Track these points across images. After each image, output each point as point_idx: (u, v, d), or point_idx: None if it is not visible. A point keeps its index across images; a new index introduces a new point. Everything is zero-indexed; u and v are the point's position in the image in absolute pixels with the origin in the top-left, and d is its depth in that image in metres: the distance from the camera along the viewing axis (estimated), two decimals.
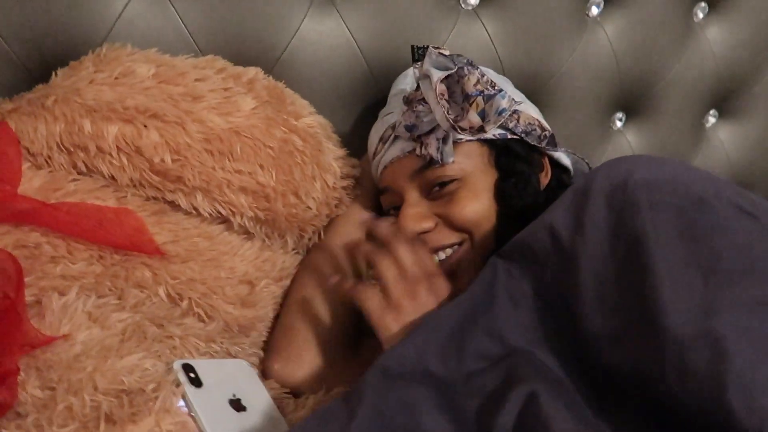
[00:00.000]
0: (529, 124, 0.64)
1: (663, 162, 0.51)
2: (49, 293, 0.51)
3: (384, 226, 0.59)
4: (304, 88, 0.72)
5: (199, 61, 0.66)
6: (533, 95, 0.86)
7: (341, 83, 0.76)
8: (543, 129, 0.65)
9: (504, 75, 0.79)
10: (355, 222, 0.69)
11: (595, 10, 0.86)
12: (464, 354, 0.46)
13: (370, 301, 0.54)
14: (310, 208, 0.65)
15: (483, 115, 0.59)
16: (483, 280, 0.50)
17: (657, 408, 0.40)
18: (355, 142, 0.74)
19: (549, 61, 0.85)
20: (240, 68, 0.67)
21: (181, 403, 0.47)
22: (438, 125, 0.60)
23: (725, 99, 1.01)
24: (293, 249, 0.68)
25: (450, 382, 0.44)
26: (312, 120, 0.68)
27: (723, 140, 1.04)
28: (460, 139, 0.61)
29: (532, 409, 0.39)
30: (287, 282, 0.67)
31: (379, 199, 0.69)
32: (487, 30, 0.80)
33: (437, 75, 0.59)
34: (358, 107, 0.78)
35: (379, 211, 0.70)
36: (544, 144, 0.64)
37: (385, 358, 0.45)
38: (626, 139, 0.97)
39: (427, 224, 0.61)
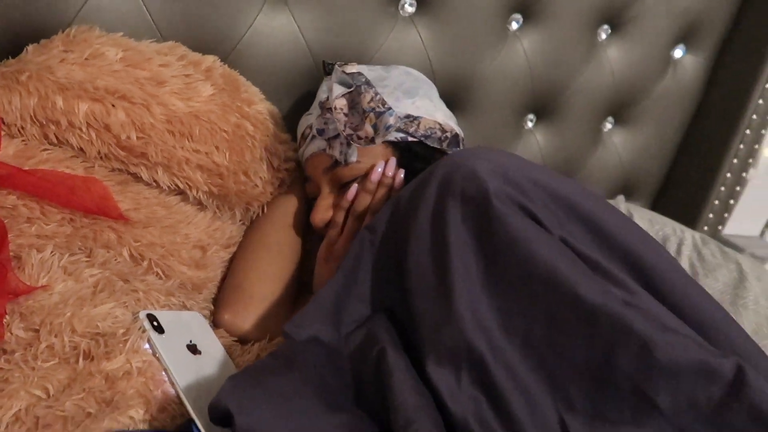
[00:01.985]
0: (430, 128, 0.75)
1: (489, 157, 0.63)
2: (27, 249, 0.58)
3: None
4: (255, 76, 0.80)
5: (162, 46, 0.73)
6: (457, 96, 0.98)
7: (289, 74, 0.85)
8: (444, 131, 0.76)
9: (433, 76, 0.91)
10: (294, 200, 0.79)
11: (515, 25, 0.99)
12: (342, 319, 0.57)
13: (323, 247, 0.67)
14: (257, 186, 0.74)
15: (375, 128, 0.71)
16: (352, 252, 0.61)
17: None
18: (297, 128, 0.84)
19: (473, 66, 0.98)
20: (199, 56, 0.75)
21: (147, 346, 0.56)
22: (341, 135, 0.71)
23: (620, 109, 1.16)
24: (240, 221, 0.78)
25: (334, 346, 0.55)
26: (262, 107, 0.77)
27: (617, 144, 1.20)
28: (366, 145, 0.72)
29: (382, 363, 0.51)
30: (234, 249, 0.77)
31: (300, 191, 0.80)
32: (420, 36, 0.91)
33: (337, 91, 0.70)
34: (303, 96, 0.87)
35: None
36: (445, 145, 0.76)
37: (288, 326, 0.56)
38: (535, 137, 1.11)
39: (335, 214, 0.73)
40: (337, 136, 0.72)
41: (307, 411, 0.47)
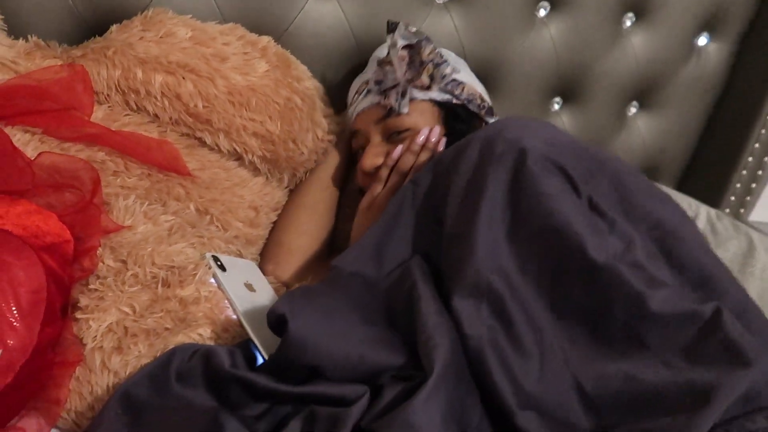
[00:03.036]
0: (471, 94, 0.84)
1: (528, 125, 0.70)
2: (114, 197, 0.68)
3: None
4: (304, 55, 0.90)
5: (224, 27, 0.83)
6: (488, 78, 1.05)
7: (334, 54, 0.94)
8: (483, 101, 0.85)
9: (465, 59, 0.99)
10: (332, 167, 0.88)
11: (542, 12, 1.06)
12: (383, 260, 0.65)
13: (366, 199, 0.76)
14: (303, 154, 0.84)
15: (432, 78, 0.79)
16: (396, 201, 0.69)
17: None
18: (341, 103, 0.93)
19: (502, 51, 1.05)
20: (256, 36, 0.85)
21: (212, 280, 0.66)
22: (399, 82, 0.79)
23: (645, 94, 1.22)
24: (286, 186, 0.87)
25: (374, 281, 0.63)
26: (310, 84, 0.86)
27: (641, 128, 1.25)
28: (415, 97, 0.80)
29: (413, 291, 0.59)
30: (280, 212, 0.87)
31: (343, 157, 0.89)
32: (454, 22, 0.99)
33: (401, 43, 0.79)
34: (346, 75, 0.96)
35: (351, 162, 0.90)
36: (483, 112, 0.84)
37: (337, 261, 0.65)
38: (562, 119, 1.18)
39: (388, 158, 0.79)
40: (394, 87, 0.80)
41: (347, 321, 0.56)
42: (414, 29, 0.82)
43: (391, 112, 0.80)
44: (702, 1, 1.15)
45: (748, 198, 1.31)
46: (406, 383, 0.51)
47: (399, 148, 0.79)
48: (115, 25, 0.79)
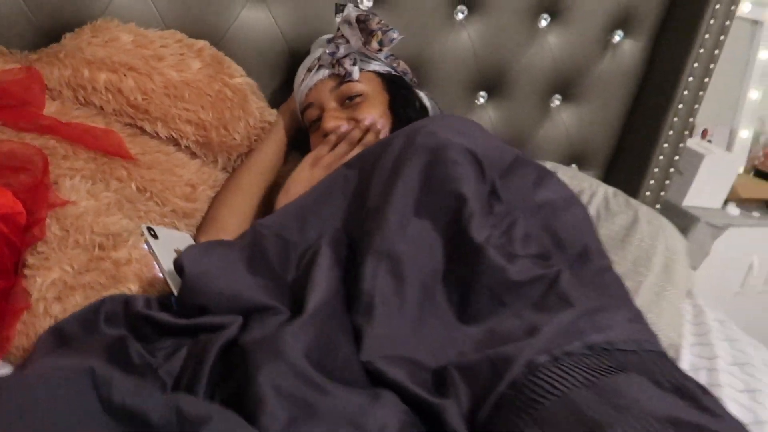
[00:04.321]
0: (405, 69, 1.00)
1: (447, 120, 0.83)
2: (62, 178, 0.81)
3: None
4: (240, 59, 1.02)
5: (164, 33, 0.95)
6: (415, 75, 1.18)
7: (267, 56, 1.07)
8: (413, 78, 1.02)
9: None
10: (265, 152, 1.00)
11: (460, 15, 1.18)
12: (306, 227, 0.76)
13: (313, 155, 0.88)
14: (236, 139, 0.96)
15: (381, 43, 0.93)
16: (329, 179, 0.80)
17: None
18: (274, 100, 1.05)
19: (426, 51, 1.17)
20: (193, 40, 0.97)
21: (145, 246, 0.78)
22: (351, 52, 0.92)
23: (566, 87, 1.34)
24: (223, 168, 0.99)
25: (292, 242, 0.74)
26: (242, 80, 0.99)
27: (564, 119, 1.37)
28: (363, 68, 0.93)
29: (317, 252, 0.69)
30: (218, 189, 0.99)
31: (281, 145, 1.01)
32: None
33: (354, 15, 0.92)
34: (278, 75, 1.09)
35: (286, 148, 1.02)
36: (414, 86, 0.99)
37: (261, 220, 0.76)
38: (488, 113, 1.30)
39: (342, 123, 0.91)
40: (347, 55, 0.93)
41: (236, 269, 0.67)
42: (360, 6, 0.97)
43: (344, 78, 0.92)
44: (613, 1, 1.28)
45: (667, 182, 1.43)
46: (284, 318, 0.62)
47: (348, 126, 0.91)
48: (67, 34, 0.91)
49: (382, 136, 0.91)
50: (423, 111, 1.01)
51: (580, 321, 0.61)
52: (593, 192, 1.09)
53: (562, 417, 0.50)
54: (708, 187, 1.68)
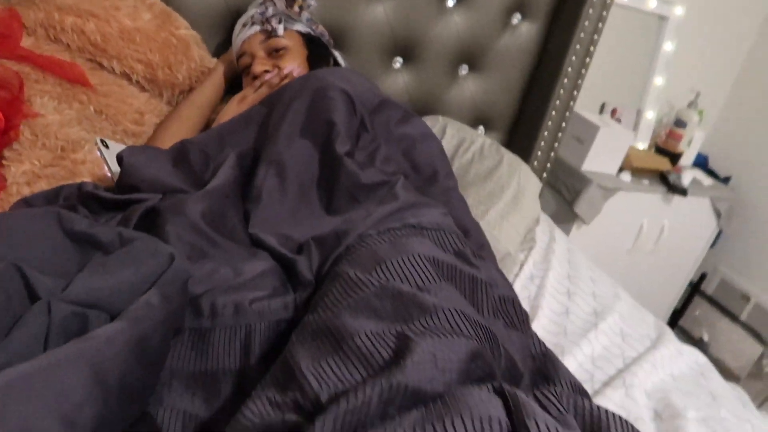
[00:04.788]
0: (323, 31, 1.23)
1: (335, 71, 1.07)
2: (34, 97, 1.03)
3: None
4: (187, 15, 1.24)
5: None
6: (337, 41, 1.41)
7: (210, 16, 1.29)
8: (330, 40, 1.24)
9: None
10: (203, 91, 1.22)
11: None
12: (225, 145, 0.98)
13: (241, 94, 1.11)
14: (178, 78, 1.18)
15: (300, 8, 1.17)
16: (248, 112, 1.04)
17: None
18: (217, 52, 1.28)
19: (348, 20, 1.40)
20: None
21: (98, 153, 1.01)
22: (278, 13, 1.15)
23: (471, 59, 1.58)
24: (167, 102, 1.22)
25: (211, 155, 0.96)
26: (186, 31, 1.21)
27: (471, 86, 1.62)
28: (287, 27, 1.16)
29: (223, 161, 0.92)
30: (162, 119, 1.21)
31: (218, 86, 1.24)
32: None
33: None
34: (220, 32, 1.31)
35: (222, 90, 1.25)
36: (330, 47, 1.21)
37: (187, 140, 0.99)
38: (402, 77, 1.54)
39: (269, 68, 1.14)
40: (273, 16, 1.15)
41: (161, 163, 0.90)
42: None
43: (271, 34, 1.15)
44: None
45: (556, 144, 1.69)
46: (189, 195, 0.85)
47: (272, 73, 1.14)
48: None
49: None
50: (335, 66, 1.25)
51: (404, 210, 0.84)
52: (473, 141, 1.34)
53: (364, 258, 0.74)
54: (603, 155, 1.95)
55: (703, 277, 2.51)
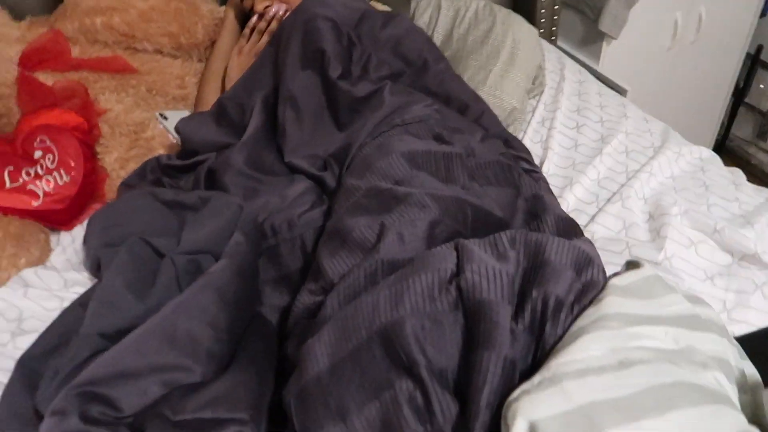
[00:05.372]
0: None
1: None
2: (97, 95, 1.27)
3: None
4: None
5: None
6: None
7: None
8: None
9: None
10: (221, 44, 1.40)
11: None
12: (251, 90, 1.18)
13: (236, 47, 1.30)
14: (198, 37, 1.37)
15: None
16: (260, 58, 1.22)
17: None
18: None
19: None
20: None
21: (160, 126, 1.25)
22: None
23: None
24: (198, 60, 1.42)
25: (243, 103, 1.17)
26: None
27: None
28: None
29: (254, 107, 1.13)
30: (199, 76, 1.42)
31: (234, 32, 1.40)
32: None
33: None
34: None
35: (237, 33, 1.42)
36: None
37: (222, 95, 1.20)
38: None
39: (268, 4, 1.29)
40: None
41: (208, 125, 1.12)
42: None
43: None
44: None
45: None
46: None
47: (255, 18, 1.30)
48: None
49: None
50: None
51: (392, 114, 1.01)
52: (467, 8, 1.42)
53: (357, 166, 0.90)
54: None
55: (760, 48, 2.43)
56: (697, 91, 2.35)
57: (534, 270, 0.66)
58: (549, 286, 0.63)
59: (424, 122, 0.97)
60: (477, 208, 0.79)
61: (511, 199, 0.89)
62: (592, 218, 1.06)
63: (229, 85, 1.27)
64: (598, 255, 0.72)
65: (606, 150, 1.21)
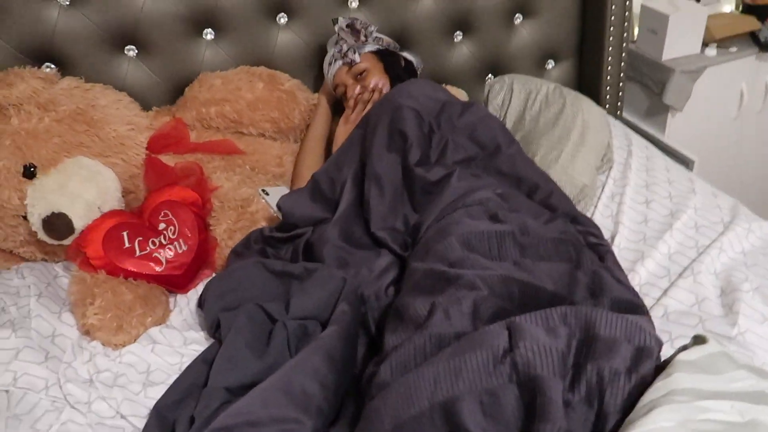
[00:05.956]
0: (389, 42, 1.52)
1: (403, 88, 1.36)
2: (209, 174, 1.45)
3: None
4: (284, 67, 1.59)
5: (237, 70, 1.54)
6: (405, 39, 1.67)
7: (299, 60, 1.62)
8: (396, 45, 1.53)
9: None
10: (316, 124, 1.58)
11: None
12: (341, 166, 1.34)
13: (343, 117, 1.46)
14: (295, 122, 1.55)
15: (366, 36, 1.47)
16: (349, 137, 1.38)
17: None
18: (315, 84, 1.62)
19: (404, 19, 1.65)
20: (255, 68, 1.55)
21: (263, 200, 1.42)
22: (351, 46, 1.46)
23: (521, 8, 1.75)
24: (294, 141, 1.60)
25: (334, 178, 1.32)
26: (289, 83, 1.56)
27: (528, 31, 1.78)
28: (361, 51, 1.47)
29: (344, 184, 1.28)
30: (295, 155, 1.60)
31: (326, 116, 1.58)
32: None
33: (343, 23, 1.46)
34: (312, 69, 1.64)
35: (329, 116, 1.59)
36: (398, 50, 1.51)
37: (315, 173, 1.35)
38: (465, 47, 1.75)
39: (359, 89, 1.46)
40: (348, 49, 1.47)
41: (305, 201, 1.27)
42: (345, 18, 1.49)
43: (352, 63, 1.48)
44: None
45: (625, 45, 1.80)
46: (329, 223, 1.21)
47: (359, 89, 1.47)
48: (186, 88, 1.53)
49: (385, 90, 1.46)
50: (408, 65, 1.53)
51: (458, 199, 1.11)
52: (538, 91, 1.55)
53: (420, 249, 1.02)
54: (681, 40, 2.00)
55: None
56: (765, 160, 2.36)
57: (586, 344, 0.71)
58: (602, 361, 0.68)
59: (483, 204, 1.07)
60: (525, 283, 0.86)
61: (566, 272, 0.93)
62: (665, 292, 1.12)
63: (335, 149, 1.43)
64: (652, 325, 0.78)
65: (676, 225, 1.27)
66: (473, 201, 1.07)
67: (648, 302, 1.11)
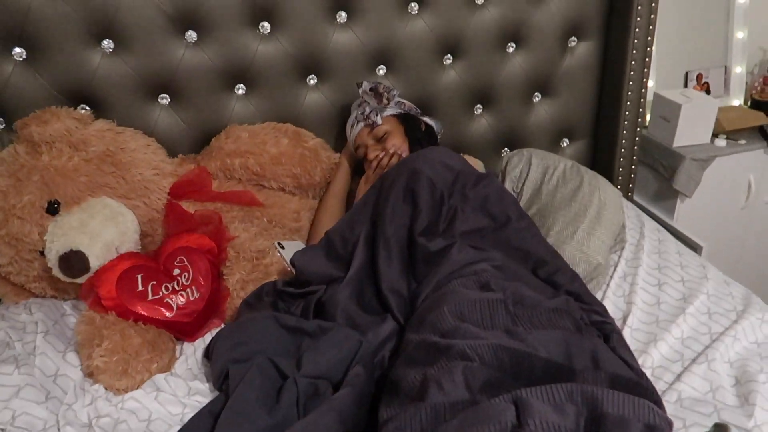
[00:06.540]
0: (410, 106, 1.57)
1: (420, 155, 1.40)
2: (228, 224, 1.46)
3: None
4: (310, 127, 1.63)
5: (264, 125, 1.58)
6: (428, 107, 1.72)
7: (326, 121, 1.67)
8: (417, 109, 1.58)
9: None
10: (337, 183, 1.61)
11: (448, 61, 1.70)
12: (354, 226, 1.35)
13: (365, 177, 1.49)
14: (316, 179, 1.58)
15: (388, 99, 1.51)
16: (363, 197, 1.40)
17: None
18: (337, 144, 1.66)
19: (429, 89, 1.72)
20: (281, 124, 1.59)
21: (278, 254, 1.43)
22: (373, 108, 1.50)
23: (540, 88, 1.81)
24: (313, 197, 1.62)
25: (346, 237, 1.32)
26: (313, 142, 1.60)
27: (547, 110, 1.85)
28: (383, 114, 1.51)
29: (356, 244, 1.30)
30: (314, 212, 1.61)
31: (346, 175, 1.61)
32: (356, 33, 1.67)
33: (367, 87, 1.51)
34: (334, 129, 1.69)
35: (349, 176, 1.63)
36: (419, 115, 1.56)
37: (328, 231, 1.37)
38: (484, 120, 1.81)
39: (379, 151, 1.49)
40: (371, 112, 1.51)
41: (319, 258, 1.27)
42: (368, 82, 1.54)
43: (373, 125, 1.52)
44: (565, 16, 1.73)
45: (639, 129, 1.86)
46: (342, 282, 1.22)
47: (379, 151, 1.50)
48: (213, 138, 1.57)
49: (403, 153, 1.49)
50: (428, 129, 1.58)
51: (454, 271, 1.12)
52: (555, 167, 1.58)
53: (415, 320, 1.03)
54: (692, 128, 2.06)
55: None
56: None
57: (595, 423, 0.71)
58: None
59: (476, 275, 1.08)
60: (516, 351, 0.85)
61: (563, 340, 0.92)
62: (678, 377, 1.11)
63: None
64: (661, 407, 0.78)
65: (689, 310, 1.27)
66: (468, 272, 1.09)
67: (661, 386, 1.10)
